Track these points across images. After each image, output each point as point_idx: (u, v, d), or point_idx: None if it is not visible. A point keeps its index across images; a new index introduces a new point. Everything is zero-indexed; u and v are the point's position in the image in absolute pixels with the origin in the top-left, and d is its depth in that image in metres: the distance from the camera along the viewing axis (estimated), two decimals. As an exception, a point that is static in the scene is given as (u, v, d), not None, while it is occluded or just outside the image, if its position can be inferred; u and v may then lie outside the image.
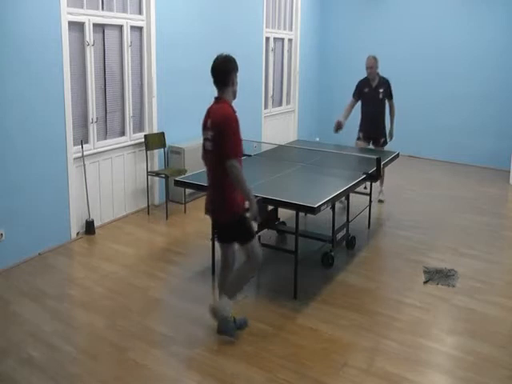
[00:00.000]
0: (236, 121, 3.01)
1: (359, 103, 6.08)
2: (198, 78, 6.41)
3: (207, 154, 3.15)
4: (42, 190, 4.59)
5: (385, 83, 5.92)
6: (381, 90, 5.89)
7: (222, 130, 2.96)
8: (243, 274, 3.30)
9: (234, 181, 3.00)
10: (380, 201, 6.22)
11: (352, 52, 9.27)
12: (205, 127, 3.11)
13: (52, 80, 4.57)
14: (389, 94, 5.98)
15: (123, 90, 5.54)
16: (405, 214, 5.85)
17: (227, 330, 3.28)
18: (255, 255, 3.24)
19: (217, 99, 3.10)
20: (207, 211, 3.29)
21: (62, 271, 4.36)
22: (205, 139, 3.12)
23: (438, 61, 8.40)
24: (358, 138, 6.12)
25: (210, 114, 3.11)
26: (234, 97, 3.14)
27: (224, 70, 3.02)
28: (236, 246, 3.37)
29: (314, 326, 3.50)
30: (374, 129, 6.02)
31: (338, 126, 5.73)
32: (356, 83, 6.04)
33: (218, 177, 3.09)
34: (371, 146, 6.09)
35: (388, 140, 6.11)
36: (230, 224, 3.19)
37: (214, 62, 3.04)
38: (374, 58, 5.83)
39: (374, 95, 5.90)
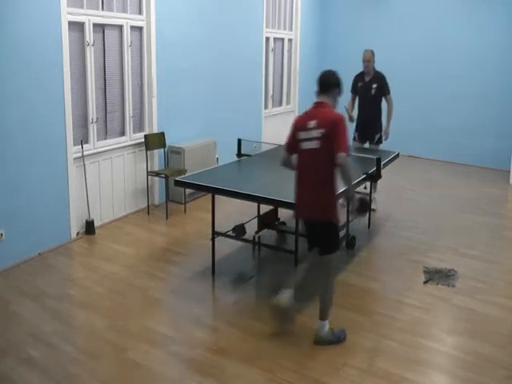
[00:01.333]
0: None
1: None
2: (198, 78, 6.41)
3: (309, 154, 3.21)
4: (42, 190, 4.59)
5: (379, 79, 5.79)
6: (374, 86, 5.77)
7: (337, 128, 3.11)
8: (329, 293, 3.32)
9: (345, 171, 3.09)
10: (372, 209, 5.76)
11: (352, 52, 9.22)
12: (305, 128, 3.21)
13: (52, 80, 4.57)
14: (384, 90, 5.82)
15: (123, 89, 5.54)
16: (405, 214, 5.85)
17: (331, 342, 3.31)
18: (332, 268, 3.32)
19: (319, 103, 3.28)
20: (301, 213, 3.33)
21: (62, 271, 4.36)
22: (305, 139, 3.21)
23: (438, 61, 8.40)
24: (354, 139, 5.98)
25: (311, 115, 3.23)
26: (334, 107, 3.31)
27: (330, 82, 3.31)
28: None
29: (314, 325, 3.50)
30: (368, 126, 5.89)
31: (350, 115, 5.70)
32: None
33: (325, 175, 3.18)
34: (367, 146, 5.98)
35: (383, 138, 5.94)
36: (328, 226, 3.23)
37: (323, 73, 3.35)
38: (371, 52, 5.75)
39: (366, 90, 5.80)
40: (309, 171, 3.22)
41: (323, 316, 3.32)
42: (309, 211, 3.26)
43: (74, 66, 4.87)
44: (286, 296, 3.24)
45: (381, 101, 5.87)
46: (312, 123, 3.18)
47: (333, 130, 3.10)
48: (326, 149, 3.11)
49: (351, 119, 5.68)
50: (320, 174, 3.18)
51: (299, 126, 3.28)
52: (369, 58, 5.72)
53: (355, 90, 5.90)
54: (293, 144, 3.33)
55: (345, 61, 9.37)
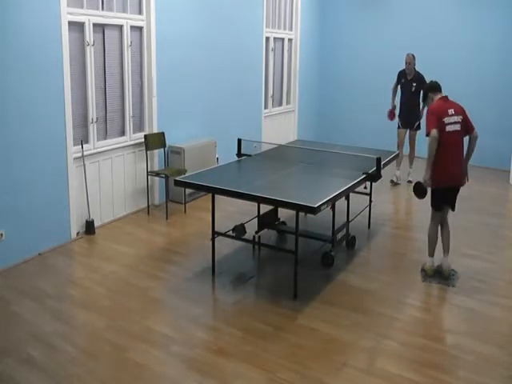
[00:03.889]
0: None
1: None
2: (198, 78, 6.41)
3: (453, 134, 4.09)
4: (42, 189, 4.59)
5: (419, 79, 6.82)
6: (414, 84, 6.89)
7: (466, 114, 4.17)
8: (449, 236, 4.35)
9: (476, 142, 4.16)
10: (409, 181, 7.09)
11: (352, 51, 9.27)
12: (447, 114, 4.08)
13: (52, 80, 4.57)
14: (422, 87, 6.64)
15: (123, 89, 5.54)
16: (405, 214, 5.86)
17: (450, 279, 4.23)
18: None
19: (445, 96, 4.25)
20: (451, 182, 4.17)
21: (62, 271, 4.36)
22: (450, 123, 4.08)
23: (437, 61, 8.38)
24: (398, 127, 7.21)
25: (447, 105, 4.15)
26: None
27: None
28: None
29: (314, 325, 3.50)
30: (409, 114, 7.06)
31: (392, 113, 7.11)
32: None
33: (462, 150, 4.20)
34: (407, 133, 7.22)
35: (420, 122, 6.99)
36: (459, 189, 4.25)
37: (437, 82, 4.33)
38: (413, 56, 6.85)
39: (408, 87, 7.00)
40: (456, 148, 4.14)
41: (448, 251, 4.32)
42: (458, 179, 4.20)
43: (74, 66, 4.87)
44: (445, 261, 4.31)
45: (419, 95, 6.69)
46: (450, 111, 4.10)
47: (465, 115, 4.15)
48: (464, 130, 4.12)
49: (393, 114, 7.18)
50: (461, 149, 4.17)
51: (442, 113, 4.11)
52: (410, 61, 6.86)
53: (399, 82, 7.13)
54: (440, 126, 4.07)
55: (345, 60, 9.42)
